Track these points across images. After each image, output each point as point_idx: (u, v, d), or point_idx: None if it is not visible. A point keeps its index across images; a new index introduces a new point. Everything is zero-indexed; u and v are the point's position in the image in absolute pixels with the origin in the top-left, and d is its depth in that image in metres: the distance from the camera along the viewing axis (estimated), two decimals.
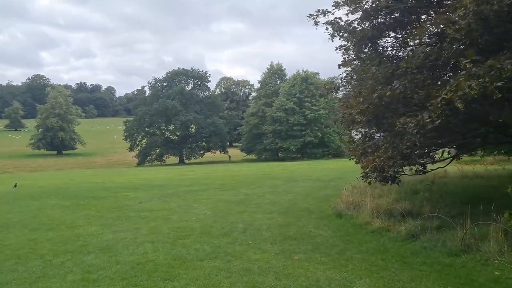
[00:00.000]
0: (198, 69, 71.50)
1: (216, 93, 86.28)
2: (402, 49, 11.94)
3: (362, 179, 10.67)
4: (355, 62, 10.88)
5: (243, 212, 11.42)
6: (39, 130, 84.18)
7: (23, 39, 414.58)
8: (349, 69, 11.99)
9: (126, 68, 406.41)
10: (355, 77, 11.98)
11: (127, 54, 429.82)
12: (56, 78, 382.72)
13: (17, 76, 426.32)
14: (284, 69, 68.34)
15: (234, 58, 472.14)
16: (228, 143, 75.33)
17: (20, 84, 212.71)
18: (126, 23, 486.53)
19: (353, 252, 7.23)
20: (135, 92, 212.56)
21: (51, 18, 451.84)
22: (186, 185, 18.94)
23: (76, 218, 10.79)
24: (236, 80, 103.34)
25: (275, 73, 67.76)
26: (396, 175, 9.92)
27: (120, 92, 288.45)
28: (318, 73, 64.23)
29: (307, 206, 12.35)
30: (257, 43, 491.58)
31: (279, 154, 62.36)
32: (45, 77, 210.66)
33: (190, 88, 70.46)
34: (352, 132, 12.43)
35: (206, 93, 72.45)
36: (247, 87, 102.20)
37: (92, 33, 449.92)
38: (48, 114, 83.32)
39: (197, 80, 70.47)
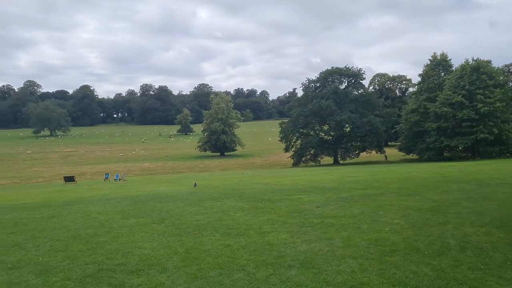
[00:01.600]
0: (352, 67, 69.35)
1: (370, 90, 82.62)
2: None
3: None
4: None
5: (445, 224, 9.60)
6: (205, 134, 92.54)
7: (188, 53, 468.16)
8: None
9: (276, 73, 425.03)
10: None
11: (276, 59, 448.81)
12: (216, 86, 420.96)
13: (185, 86, 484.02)
14: (450, 59, 61.48)
15: (384, 54, 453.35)
16: (383, 143, 71.23)
17: (188, 93, 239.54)
18: (274, 29, 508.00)
19: None
20: (287, 94, 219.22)
21: (210, 32, 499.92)
22: (359, 188, 17.59)
23: (261, 222, 10.42)
24: (391, 75, 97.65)
25: (438, 64, 61.44)
26: None
27: (272, 95, 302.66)
28: (490, 61, 56.13)
29: None
30: (409, 35, 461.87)
31: (445, 154, 56.36)
32: (208, 85, 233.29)
33: (344, 86, 68.73)
34: None
35: (361, 91, 69.77)
36: (403, 82, 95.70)
37: (245, 42, 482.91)
38: (212, 119, 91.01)
39: (351, 78, 68.35)
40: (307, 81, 69.50)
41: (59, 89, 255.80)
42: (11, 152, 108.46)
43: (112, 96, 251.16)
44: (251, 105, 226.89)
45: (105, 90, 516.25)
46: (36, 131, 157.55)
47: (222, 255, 7.36)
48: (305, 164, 64.39)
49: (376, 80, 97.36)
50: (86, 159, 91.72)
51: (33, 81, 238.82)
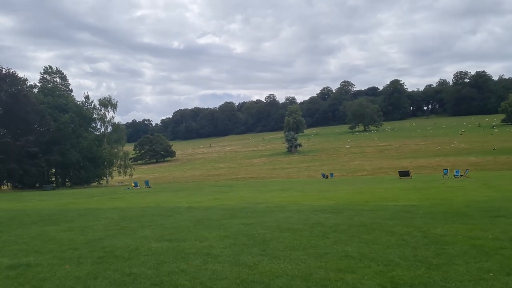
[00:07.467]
0: None
1: None
2: None
3: None
4: None
5: None
6: None
7: (501, 33, 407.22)
8: None
9: None
10: None
11: None
12: None
13: (499, 70, 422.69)
14: None
15: None
16: None
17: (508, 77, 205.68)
18: None
19: None
20: None
21: None
22: None
23: None
24: None
25: None
26: None
27: None
28: None
29: None
30: None
31: None
32: None
33: None
34: None
35: None
36: None
37: None
38: None
39: None
40: None
41: (366, 87, 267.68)
42: (333, 147, 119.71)
43: (421, 89, 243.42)
44: None
45: (407, 84, 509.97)
46: (352, 126, 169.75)
47: None
48: None
49: None
50: (402, 153, 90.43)
51: (348, 81, 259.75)
